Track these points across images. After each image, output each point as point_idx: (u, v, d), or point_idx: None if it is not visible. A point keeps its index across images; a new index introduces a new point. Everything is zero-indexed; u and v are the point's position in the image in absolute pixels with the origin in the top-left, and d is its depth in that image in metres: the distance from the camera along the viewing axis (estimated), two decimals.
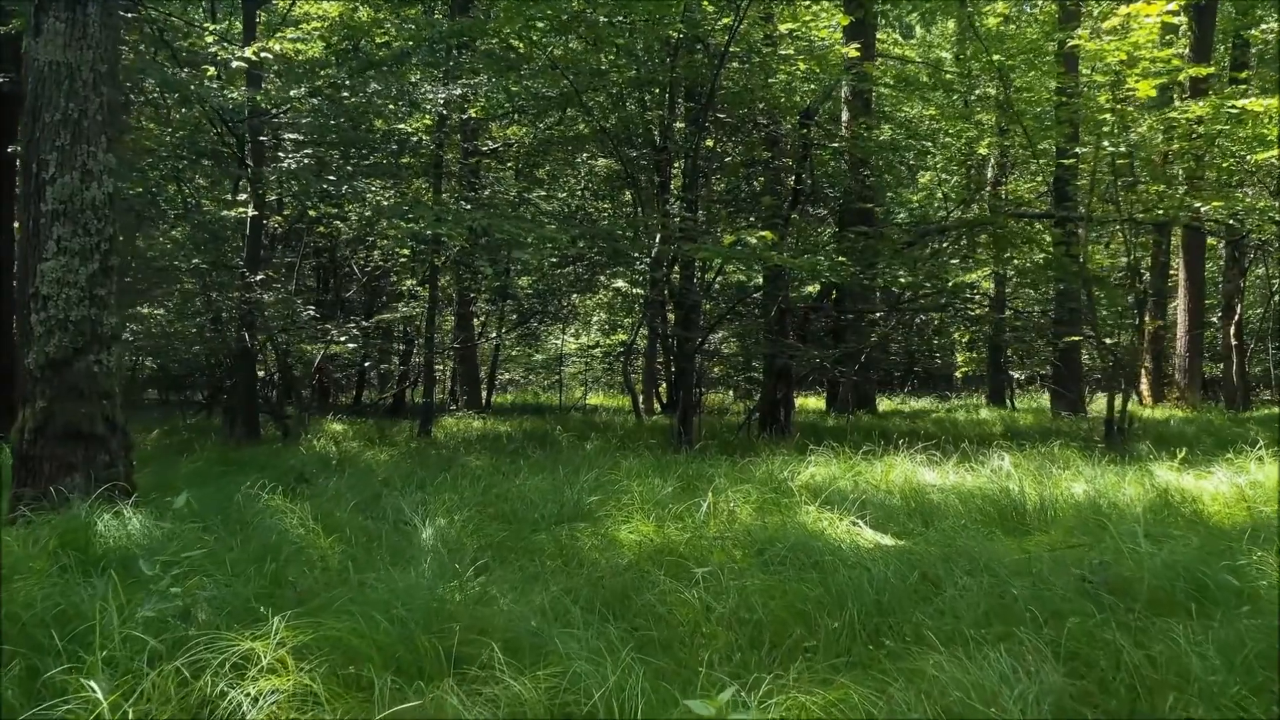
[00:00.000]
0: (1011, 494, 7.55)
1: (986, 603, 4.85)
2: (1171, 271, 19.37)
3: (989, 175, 18.92)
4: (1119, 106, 10.68)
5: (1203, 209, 10.94)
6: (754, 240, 9.74)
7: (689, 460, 9.83)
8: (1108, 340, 11.73)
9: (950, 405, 22.87)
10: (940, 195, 18.23)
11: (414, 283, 18.74)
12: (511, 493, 7.31)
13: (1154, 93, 10.77)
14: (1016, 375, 24.47)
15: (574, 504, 6.93)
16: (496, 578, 5.30)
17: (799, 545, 5.77)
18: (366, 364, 17.66)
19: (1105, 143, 10.53)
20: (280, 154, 12.28)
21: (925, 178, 20.31)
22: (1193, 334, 18.37)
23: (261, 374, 17.89)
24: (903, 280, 11.44)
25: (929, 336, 22.34)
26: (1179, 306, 18.81)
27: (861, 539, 6.40)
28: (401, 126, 17.11)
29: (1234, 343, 19.23)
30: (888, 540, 6.48)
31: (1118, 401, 11.70)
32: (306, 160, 11.88)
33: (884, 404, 22.77)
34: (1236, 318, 19.33)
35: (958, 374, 27.91)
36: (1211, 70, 12.56)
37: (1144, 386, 22.73)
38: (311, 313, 13.52)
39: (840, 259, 10.28)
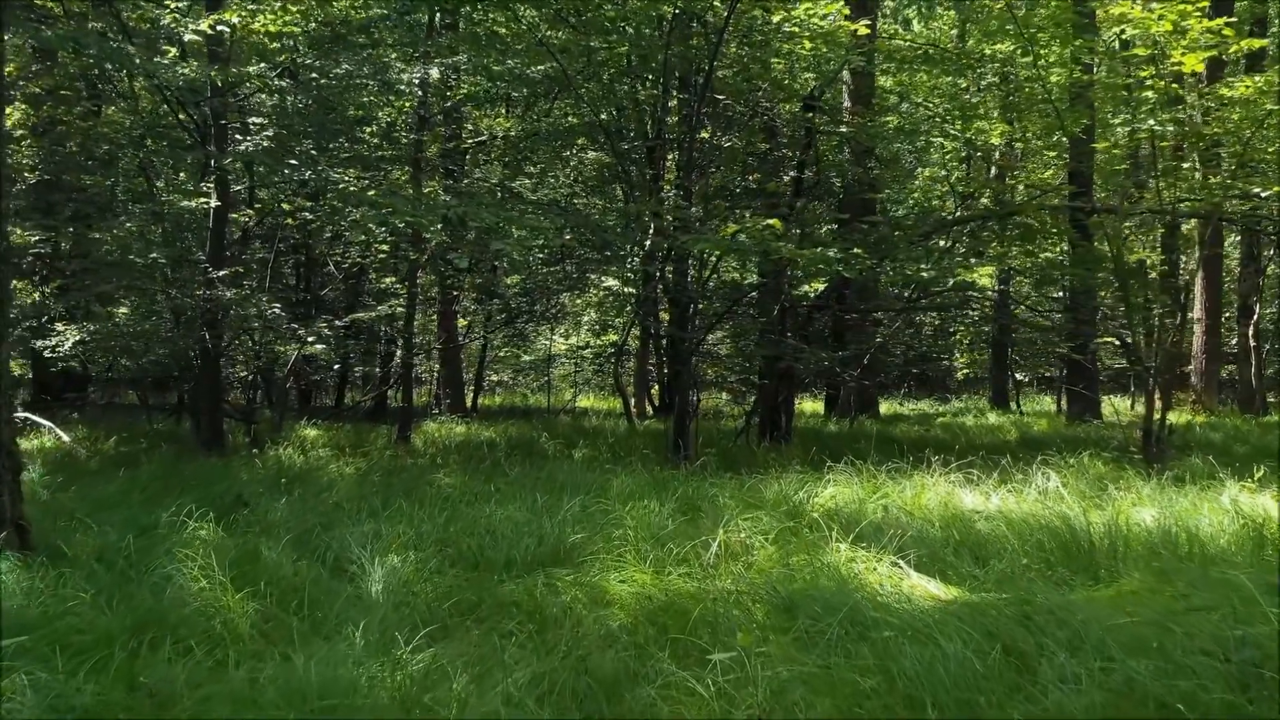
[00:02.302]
0: (1072, 524, 6.19)
1: (1103, 697, 3.49)
2: (1181, 269, 17.99)
3: (993, 167, 17.54)
4: (1162, 83, 9.35)
5: (1263, 194, 9.60)
6: (760, 229, 8.35)
7: (688, 477, 8.44)
8: (1142, 340, 10.39)
9: (953, 408, 21.49)
10: (946, 187, 16.87)
11: (393, 280, 17.28)
12: (480, 524, 5.91)
13: (1201, 67, 9.44)
14: (1021, 377, 23.11)
15: (554, 540, 5.53)
16: (447, 654, 3.92)
17: (837, 602, 4.40)
18: (337, 366, 16.14)
19: (1151, 121, 9.20)
20: (239, 138, 10.84)
21: (925, 173, 18.97)
22: (1210, 335, 17.04)
23: (244, 375, 16.41)
24: (924, 275, 10.09)
25: (937, 337, 20.98)
26: (1195, 305, 17.45)
27: (909, 588, 5.03)
28: (380, 115, 15.69)
29: (1252, 344, 17.93)
30: (938, 587, 5.12)
31: (1151, 408, 10.35)
32: (266, 143, 10.44)
33: (884, 407, 21.38)
34: (1255, 318, 18.01)
35: (958, 375, 26.54)
36: (1266, 43, 11.19)
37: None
38: (277, 311, 12.05)
39: (855, 250, 8.90)
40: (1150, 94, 9.54)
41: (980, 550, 5.89)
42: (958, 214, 12.98)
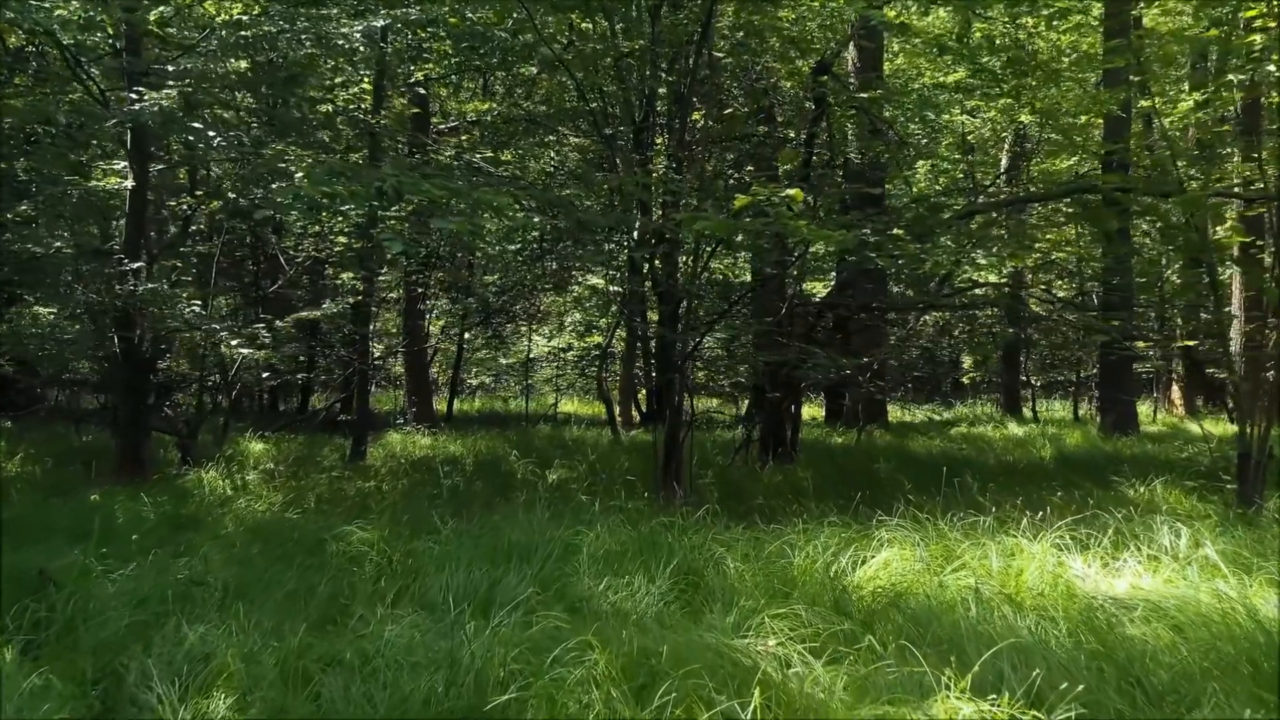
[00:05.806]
0: (1264, 621, 3.92)
1: None
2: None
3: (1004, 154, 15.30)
4: (1273, 23, 7.13)
5: None
6: (779, 200, 6.07)
7: (683, 526, 6.07)
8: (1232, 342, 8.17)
9: (965, 415, 19.12)
10: (961, 173, 14.64)
11: (351, 276, 14.92)
12: (357, 648, 3.56)
13: None
14: (1034, 381, 20.83)
15: (473, 685, 3.18)
16: None
17: None
18: (267, 374, 13.67)
19: (1270, 66, 7.00)
20: (134, 96, 8.46)
21: (923, 168, 16.72)
22: (1250, 335, 14.74)
23: (206, 378, 13.92)
24: (981, 262, 7.87)
25: (966, 337, 18.65)
26: (1233, 302, 15.19)
27: None
28: (336, 95, 13.37)
29: None
30: None
31: (1248, 424, 8.09)
32: (168, 102, 8.09)
33: (890, 413, 19.03)
34: None
35: (965, 379, 24.19)
36: None
37: (1175, 393, 19.22)
38: (197, 309, 9.69)
39: (895, 231, 6.67)
40: (1258, 38, 7.28)
41: (1147, 676, 3.61)
42: (990, 197, 10.70)
